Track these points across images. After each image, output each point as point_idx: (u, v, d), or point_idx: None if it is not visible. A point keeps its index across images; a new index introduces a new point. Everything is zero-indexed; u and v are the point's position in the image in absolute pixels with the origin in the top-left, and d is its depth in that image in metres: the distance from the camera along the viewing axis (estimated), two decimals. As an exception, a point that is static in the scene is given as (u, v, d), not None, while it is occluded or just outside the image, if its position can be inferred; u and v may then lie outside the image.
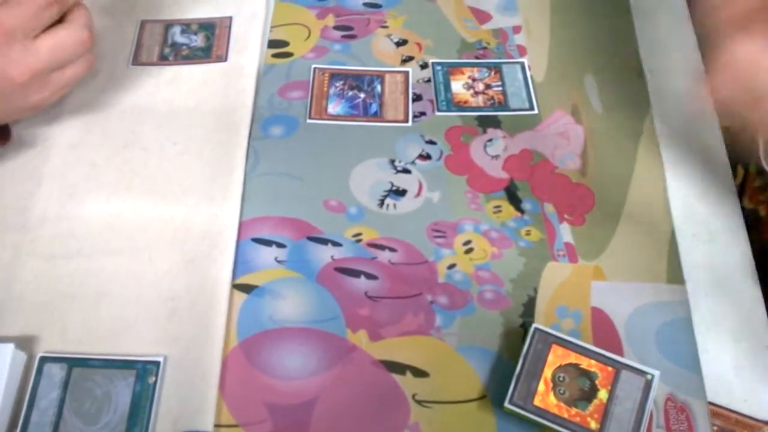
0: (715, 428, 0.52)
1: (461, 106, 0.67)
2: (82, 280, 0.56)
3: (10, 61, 0.53)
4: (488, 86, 0.68)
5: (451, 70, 0.69)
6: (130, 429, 0.49)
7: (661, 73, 0.71)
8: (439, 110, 0.66)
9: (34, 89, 0.56)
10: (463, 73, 0.69)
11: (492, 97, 0.67)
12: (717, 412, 0.53)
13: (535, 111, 0.66)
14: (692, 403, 0.52)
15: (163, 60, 0.68)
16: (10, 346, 0.50)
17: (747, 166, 0.83)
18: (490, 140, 0.64)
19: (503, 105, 0.67)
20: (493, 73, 0.69)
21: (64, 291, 0.55)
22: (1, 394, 0.49)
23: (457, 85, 0.68)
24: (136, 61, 0.68)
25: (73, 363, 0.51)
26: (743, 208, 0.65)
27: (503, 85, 0.68)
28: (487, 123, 0.66)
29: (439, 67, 0.69)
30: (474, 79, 0.69)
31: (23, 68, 0.54)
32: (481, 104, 0.67)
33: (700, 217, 0.62)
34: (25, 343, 0.52)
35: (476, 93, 0.68)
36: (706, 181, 0.64)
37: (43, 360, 0.51)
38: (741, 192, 0.80)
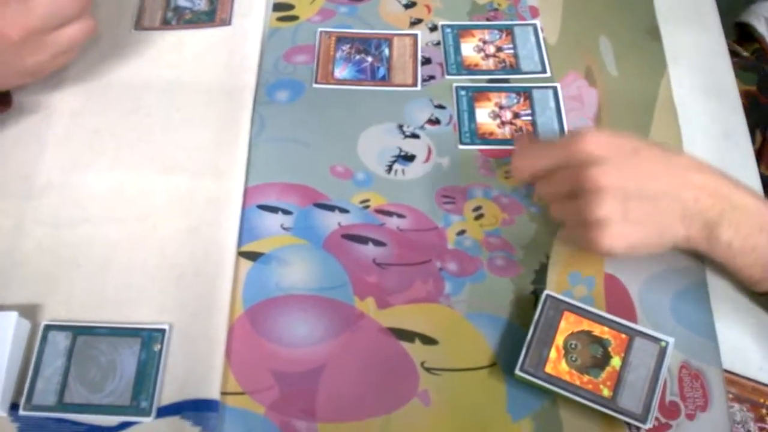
0: (731, 396, 0.51)
1: (471, 69, 0.65)
2: (87, 248, 0.55)
3: (5, 19, 0.52)
4: (499, 49, 0.66)
5: (461, 32, 0.67)
6: (136, 396, 0.48)
7: (678, 35, 0.69)
8: (448, 73, 0.65)
9: (30, 50, 0.54)
10: (473, 36, 0.67)
11: (503, 60, 0.66)
12: (732, 379, 0.52)
13: (548, 74, 0.65)
14: (707, 370, 0.51)
15: (166, 24, 0.67)
16: (14, 314, 0.50)
17: (765, 131, 0.81)
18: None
19: (515, 68, 0.65)
20: (504, 35, 0.67)
21: (69, 259, 0.54)
22: (6, 362, 0.48)
23: (468, 48, 0.66)
24: (139, 25, 0.67)
25: (78, 331, 0.51)
26: (761, 175, 0.64)
27: (515, 47, 0.66)
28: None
29: (449, 30, 0.67)
30: (485, 42, 0.67)
31: (18, 26, 0.52)
32: (492, 67, 0.65)
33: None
34: (29, 311, 0.52)
35: (487, 56, 0.66)
36: (723, 147, 0.62)
37: (48, 328, 0.51)
38: (759, 158, 0.78)
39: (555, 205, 0.53)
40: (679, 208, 0.49)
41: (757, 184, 0.61)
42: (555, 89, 0.64)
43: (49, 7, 0.53)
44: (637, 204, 0.48)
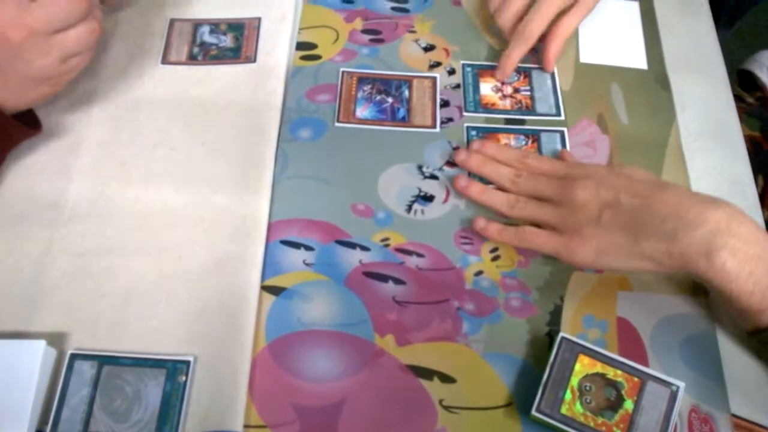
0: (738, 440, 0.52)
1: (489, 108, 0.67)
2: (112, 278, 0.56)
3: (3, 20, 0.52)
4: (516, 90, 0.68)
5: (480, 72, 0.70)
6: (161, 428, 0.49)
7: (687, 86, 0.71)
8: (466, 110, 0.67)
9: (34, 52, 0.54)
10: (492, 76, 0.69)
11: (520, 101, 0.68)
12: (740, 424, 0.53)
13: (562, 117, 0.67)
14: (716, 414, 0.52)
15: (192, 59, 0.69)
16: (42, 343, 0.50)
17: (767, 175, 0.83)
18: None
19: (530, 109, 0.67)
20: (522, 77, 0.69)
21: (95, 288, 0.55)
22: (33, 390, 0.49)
23: (486, 88, 0.68)
24: (166, 60, 0.69)
25: (104, 360, 0.52)
26: (766, 220, 0.66)
27: (531, 89, 0.68)
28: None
29: (469, 69, 0.70)
30: (503, 83, 0.69)
31: (18, 27, 0.52)
32: (509, 107, 0.67)
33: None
34: (55, 339, 0.53)
35: (504, 96, 0.68)
36: (730, 192, 0.64)
37: (74, 357, 0.52)
38: (762, 202, 0.80)
39: (530, 204, 0.58)
40: (658, 221, 0.51)
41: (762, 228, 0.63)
42: (562, 133, 0.66)
43: (49, 8, 0.53)
44: (613, 213, 0.53)
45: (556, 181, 0.58)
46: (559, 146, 0.65)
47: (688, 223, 0.49)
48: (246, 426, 0.50)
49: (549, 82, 0.69)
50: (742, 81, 0.93)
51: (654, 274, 0.58)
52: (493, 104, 0.67)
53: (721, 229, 0.49)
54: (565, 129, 0.66)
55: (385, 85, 0.68)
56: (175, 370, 0.51)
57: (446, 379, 0.53)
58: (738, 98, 0.85)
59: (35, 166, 0.62)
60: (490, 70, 0.70)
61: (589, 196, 0.54)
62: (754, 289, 0.49)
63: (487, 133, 0.65)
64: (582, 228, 0.54)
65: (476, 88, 0.68)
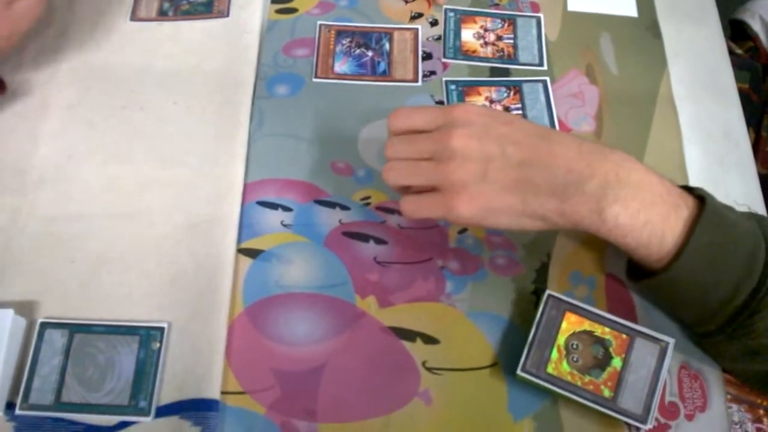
0: (729, 397, 0.51)
1: (469, 55, 0.65)
2: (83, 244, 0.54)
3: None
4: (499, 38, 0.66)
5: (463, 17, 0.67)
6: (135, 396, 0.48)
7: (678, 34, 0.68)
8: (445, 57, 0.64)
9: None
10: (475, 22, 0.67)
11: (501, 49, 0.65)
12: (731, 380, 0.52)
13: (544, 67, 0.64)
14: (706, 371, 0.51)
15: (162, 15, 0.66)
16: (10, 312, 0.49)
17: (759, 129, 0.81)
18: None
19: (512, 58, 0.65)
20: (506, 25, 0.67)
21: (64, 255, 0.54)
22: (2, 360, 0.47)
23: (468, 34, 0.66)
24: (135, 16, 0.66)
25: (75, 329, 0.50)
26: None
27: (515, 38, 0.66)
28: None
29: (452, 14, 0.67)
30: (486, 30, 0.66)
31: None
32: (490, 55, 0.65)
33: (718, 183, 0.60)
34: (25, 308, 0.51)
35: (486, 43, 0.65)
36: (723, 146, 0.62)
37: (44, 326, 0.50)
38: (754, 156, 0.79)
39: (405, 165, 0.50)
40: (547, 178, 0.46)
41: (755, 182, 0.61)
42: (545, 82, 0.63)
43: None
44: (499, 167, 0.47)
45: (431, 134, 0.50)
46: (542, 97, 0.62)
47: (577, 179, 0.46)
48: (224, 392, 0.49)
49: (534, 31, 0.66)
50: (734, 32, 0.91)
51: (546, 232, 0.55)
52: (474, 51, 0.65)
53: (610, 181, 0.46)
54: (547, 79, 0.63)
55: (365, 38, 0.65)
56: (148, 337, 0.50)
57: (429, 340, 0.52)
58: (728, 51, 0.83)
59: (2, 130, 0.59)
60: (473, 16, 0.67)
61: (470, 148, 0.47)
62: (650, 239, 0.46)
63: (465, 87, 0.63)
64: (467, 185, 0.47)
65: (457, 34, 0.66)
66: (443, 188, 0.48)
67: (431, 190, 0.49)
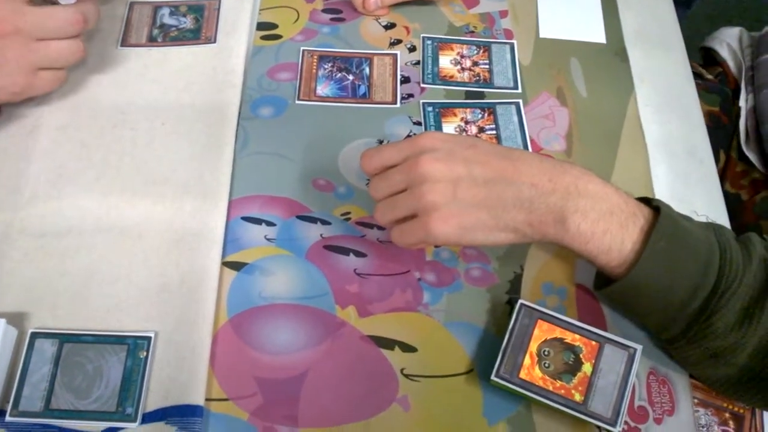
0: (696, 401, 0.53)
1: (446, 80, 0.68)
2: (72, 257, 0.56)
3: None
4: (475, 63, 0.69)
5: (440, 45, 0.70)
6: (122, 403, 0.49)
7: (645, 59, 0.72)
8: (424, 82, 0.67)
9: (14, 48, 0.56)
10: (452, 49, 0.70)
11: (478, 74, 0.68)
12: (697, 385, 0.54)
13: (519, 90, 0.67)
14: (674, 376, 0.53)
15: (151, 41, 0.69)
16: (2, 322, 0.50)
17: (729, 151, 0.84)
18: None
19: (488, 82, 0.68)
20: (481, 51, 0.70)
21: (55, 268, 0.55)
22: (-7, 368, 0.49)
23: (445, 60, 0.69)
24: (125, 42, 0.69)
25: (65, 338, 0.52)
26: (725, 193, 0.67)
27: (490, 63, 0.69)
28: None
29: (429, 42, 0.70)
30: (462, 56, 0.69)
31: (8, 23, 0.54)
32: (467, 80, 0.68)
33: (683, 200, 0.63)
34: (16, 319, 0.53)
35: (463, 69, 0.68)
36: (689, 165, 0.65)
37: (35, 336, 0.52)
38: (723, 177, 0.81)
39: (386, 202, 0.52)
40: (514, 193, 0.49)
41: (720, 199, 0.64)
42: (518, 104, 0.66)
43: (43, 15, 0.55)
44: (468, 186, 0.49)
45: (401, 165, 0.52)
46: (515, 118, 0.65)
47: (541, 192, 0.49)
48: (208, 399, 0.51)
49: (508, 56, 0.70)
50: (705, 58, 0.94)
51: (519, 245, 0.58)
52: (452, 76, 0.68)
53: (570, 193, 0.49)
54: (520, 101, 0.66)
55: (346, 63, 0.68)
56: (135, 346, 0.51)
57: (407, 348, 0.53)
58: (698, 76, 0.86)
59: (-5, 150, 0.62)
60: (450, 44, 0.70)
61: (438, 170, 0.50)
62: (611, 246, 0.49)
63: (442, 108, 0.66)
64: (439, 206, 0.49)
65: (435, 61, 0.69)
66: (419, 212, 0.50)
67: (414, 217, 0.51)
